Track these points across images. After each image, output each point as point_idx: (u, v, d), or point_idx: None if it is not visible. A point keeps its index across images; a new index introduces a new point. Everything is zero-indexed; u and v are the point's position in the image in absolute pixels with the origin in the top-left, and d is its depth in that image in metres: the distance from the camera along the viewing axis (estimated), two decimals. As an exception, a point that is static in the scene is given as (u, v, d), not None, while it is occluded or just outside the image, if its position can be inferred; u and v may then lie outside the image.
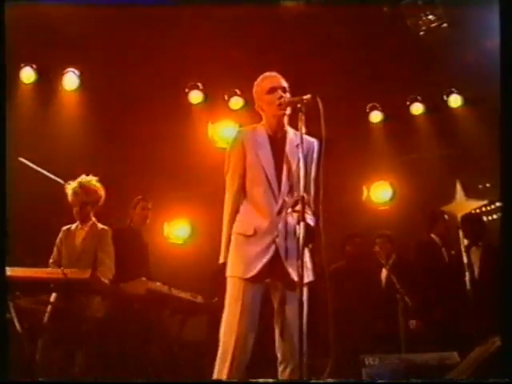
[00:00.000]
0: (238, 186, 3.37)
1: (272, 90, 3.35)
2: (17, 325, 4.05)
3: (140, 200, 5.63)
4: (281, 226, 3.27)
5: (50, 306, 4.47)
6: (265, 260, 3.23)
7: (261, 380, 3.34)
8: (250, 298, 3.23)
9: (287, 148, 3.36)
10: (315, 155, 3.36)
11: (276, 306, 3.30)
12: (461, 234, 6.01)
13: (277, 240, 3.25)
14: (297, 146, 3.28)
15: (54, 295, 4.46)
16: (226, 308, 3.25)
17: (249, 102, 6.71)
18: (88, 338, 4.38)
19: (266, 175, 3.31)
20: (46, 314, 4.48)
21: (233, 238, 3.35)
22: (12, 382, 3.21)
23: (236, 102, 7.46)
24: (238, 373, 3.15)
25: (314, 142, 3.36)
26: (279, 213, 3.28)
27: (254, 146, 3.36)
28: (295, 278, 3.10)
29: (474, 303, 5.55)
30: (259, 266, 3.22)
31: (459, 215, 6.49)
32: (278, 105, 3.31)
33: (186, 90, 7.41)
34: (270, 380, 3.29)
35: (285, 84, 3.39)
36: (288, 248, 3.24)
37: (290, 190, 3.30)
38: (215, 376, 3.18)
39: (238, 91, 7.42)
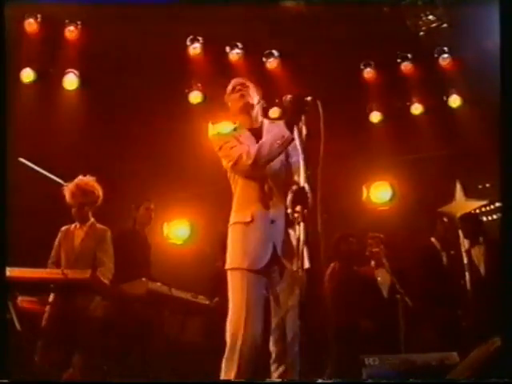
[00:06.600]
0: None
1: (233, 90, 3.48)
2: (17, 325, 4.05)
3: (143, 200, 5.63)
4: (274, 213, 3.25)
5: (49, 307, 4.47)
6: (269, 249, 3.20)
7: (263, 380, 3.33)
8: (255, 289, 3.19)
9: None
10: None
11: (272, 304, 3.27)
12: (460, 234, 6.00)
13: (272, 227, 3.23)
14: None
15: (53, 295, 4.47)
16: (231, 303, 3.20)
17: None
18: (88, 338, 4.38)
19: None
20: (46, 314, 4.48)
21: (230, 230, 3.34)
22: (12, 382, 3.20)
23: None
24: (247, 371, 3.10)
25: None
26: (271, 199, 3.27)
27: (243, 137, 3.38)
28: (290, 267, 3.13)
29: (475, 303, 5.55)
30: (265, 257, 3.19)
31: (458, 215, 6.49)
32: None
33: (186, 90, 7.40)
34: (273, 380, 3.28)
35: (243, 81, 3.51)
36: (282, 238, 3.23)
37: (282, 178, 3.29)
38: (222, 375, 3.13)
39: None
